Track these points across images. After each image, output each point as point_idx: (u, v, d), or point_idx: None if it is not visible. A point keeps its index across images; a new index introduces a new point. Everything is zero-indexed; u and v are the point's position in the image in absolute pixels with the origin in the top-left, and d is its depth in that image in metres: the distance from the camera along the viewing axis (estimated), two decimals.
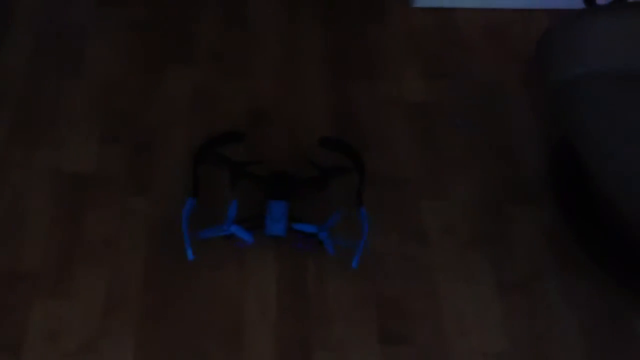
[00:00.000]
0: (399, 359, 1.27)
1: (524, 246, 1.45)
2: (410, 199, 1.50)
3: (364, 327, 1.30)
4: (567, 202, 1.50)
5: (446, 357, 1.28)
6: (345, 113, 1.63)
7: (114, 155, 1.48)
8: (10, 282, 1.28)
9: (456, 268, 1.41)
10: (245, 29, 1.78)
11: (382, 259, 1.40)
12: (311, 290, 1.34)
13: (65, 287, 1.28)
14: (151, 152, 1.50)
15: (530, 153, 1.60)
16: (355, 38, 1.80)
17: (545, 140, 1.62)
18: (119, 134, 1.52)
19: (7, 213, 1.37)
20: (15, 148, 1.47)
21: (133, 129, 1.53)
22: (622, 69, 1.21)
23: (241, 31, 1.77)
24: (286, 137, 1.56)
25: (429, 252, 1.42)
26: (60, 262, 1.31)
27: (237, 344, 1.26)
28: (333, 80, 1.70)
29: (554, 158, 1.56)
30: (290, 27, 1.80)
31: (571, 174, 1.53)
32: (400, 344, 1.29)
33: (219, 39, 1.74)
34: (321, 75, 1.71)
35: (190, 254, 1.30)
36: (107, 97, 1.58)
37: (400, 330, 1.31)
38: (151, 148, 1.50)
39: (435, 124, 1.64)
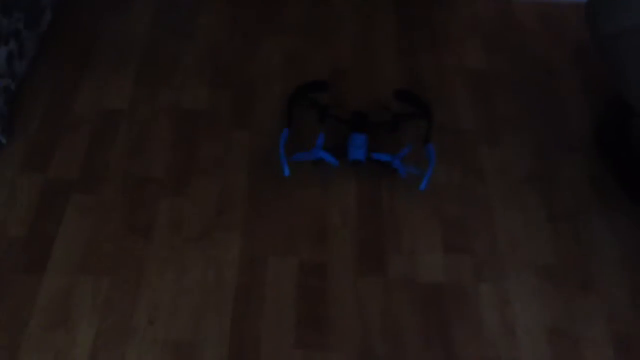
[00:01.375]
0: (459, 264, 1.50)
1: (571, 186, 1.66)
2: (469, 144, 1.74)
3: (429, 238, 1.54)
4: (611, 151, 1.71)
5: (500, 264, 1.50)
6: (414, 76, 1.89)
7: (221, 96, 1.77)
8: (142, 183, 1.57)
9: (510, 199, 1.63)
10: (328, 5, 2.07)
11: (445, 187, 1.63)
12: (385, 206, 1.58)
13: (185, 191, 1.57)
14: (251, 96, 1.78)
15: (576, 114, 1.82)
16: (423, 18, 2.06)
17: (590, 103, 1.84)
18: (224, 81, 1.81)
19: (139, 135, 1.67)
20: (142, 89, 1.77)
21: (236, 78, 1.82)
22: None
23: (324, 7, 2.06)
24: (363, 90, 1.83)
25: (486, 185, 1.65)
26: (180, 173, 1.60)
27: (322, 244, 1.51)
28: (403, 51, 1.96)
29: (602, 113, 1.78)
30: (364, 6, 2.08)
31: (615, 127, 1.74)
32: (460, 252, 1.52)
33: (307, 13, 2.04)
34: (392, 45, 1.97)
35: (286, 171, 1.57)
36: (214, 55, 1.88)
37: (461, 242, 1.53)
38: (251, 93, 1.79)
39: (492, 88, 1.88)
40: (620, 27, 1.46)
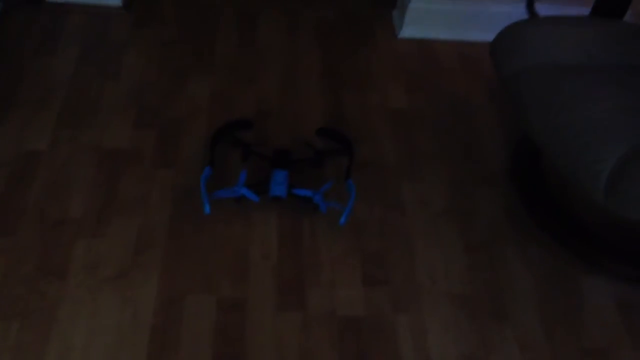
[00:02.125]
0: (378, 297, 1.52)
1: (486, 218, 1.72)
2: (391, 179, 1.78)
3: (349, 272, 1.56)
4: (523, 185, 1.79)
5: (417, 295, 1.53)
6: (338, 114, 1.94)
7: (146, 135, 1.78)
8: (59, 225, 1.55)
9: (429, 232, 1.67)
10: (254, 46, 2.12)
11: (366, 222, 1.67)
12: (306, 241, 1.60)
13: (103, 230, 1.55)
14: (175, 136, 1.79)
15: (493, 149, 1.90)
16: (347, 59, 2.13)
17: (507, 140, 1.93)
18: (149, 121, 1.82)
19: (58, 176, 1.65)
20: (65, 129, 1.76)
21: (161, 118, 1.83)
22: (552, 63, 1.53)
23: (251, 48, 2.11)
24: (287, 128, 1.87)
25: (407, 219, 1.69)
26: (100, 213, 1.59)
27: (242, 279, 1.51)
28: (328, 89, 2.01)
29: (515, 147, 1.86)
30: (291, 46, 2.14)
31: (527, 162, 1.82)
32: (379, 285, 1.54)
33: (233, 54, 2.08)
34: (318, 85, 2.03)
35: (207, 209, 1.57)
36: (140, 94, 1.89)
37: (380, 275, 1.56)
38: (176, 132, 1.80)
39: (413, 126, 1.94)
40: (517, 68, 1.55)
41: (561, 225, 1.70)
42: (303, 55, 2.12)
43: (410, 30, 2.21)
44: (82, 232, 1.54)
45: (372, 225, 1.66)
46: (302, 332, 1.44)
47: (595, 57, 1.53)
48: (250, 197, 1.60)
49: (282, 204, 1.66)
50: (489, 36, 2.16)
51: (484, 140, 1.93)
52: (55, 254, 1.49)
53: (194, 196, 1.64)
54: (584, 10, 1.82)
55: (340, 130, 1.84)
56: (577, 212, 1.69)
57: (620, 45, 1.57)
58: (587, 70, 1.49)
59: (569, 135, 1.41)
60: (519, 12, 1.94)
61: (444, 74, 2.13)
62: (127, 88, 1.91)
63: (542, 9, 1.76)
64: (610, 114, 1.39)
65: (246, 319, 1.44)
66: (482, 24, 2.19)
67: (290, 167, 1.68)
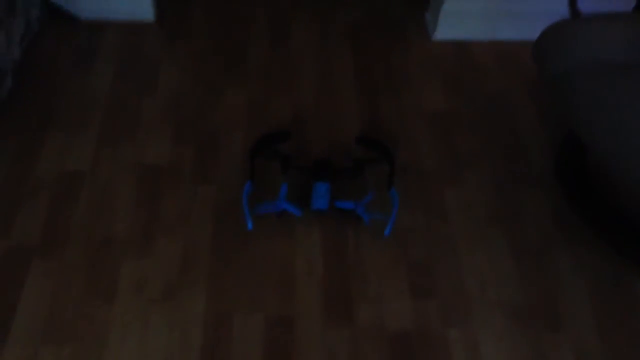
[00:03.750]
0: (427, 309, 1.49)
1: (533, 223, 1.68)
2: (432, 185, 1.75)
3: (396, 284, 1.53)
4: (571, 185, 1.74)
5: (468, 307, 1.50)
6: (375, 119, 1.91)
7: (184, 151, 1.77)
8: (104, 245, 1.55)
9: (475, 239, 1.64)
10: (287, 53, 2.10)
11: (410, 231, 1.64)
12: (351, 254, 1.58)
13: (148, 250, 1.55)
14: (214, 149, 1.79)
15: (536, 149, 1.85)
16: (381, 62, 2.10)
17: (549, 139, 1.88)
18: (187, 135, 1.82)
19: (101, 196, 1.66)
20: (105, 147, 1.77)
21: (199, 132, 1.83)
22: (601, 61, 1.48)
23: (284, 55, 2.09)
24: (325, 137, 1.85)
25: (451, 227, 1.66)
26: (143, 232, 1.59)
27: (289, 295, 1.50)
28: (363, 94, 1.99)
29: (560, 148, 1.81)
30: (324, 52, 2.11)
31: (574, 162, 1.77)
32: (427, 297, 1.52)
33: (266, 62, 2.06)
34: (353, 90, 2.00)
35: (250, 225, 1.56)
36: (176, 109, 1.89)
37: (427, 286, 1.53)
38: (214, 147, 1.80)
39: (452, 128, 1.91)
40: (565, 67, 1.50)
41: (612, 228, 1.65)
42: (336, 61, 2.09)
43: (444, 31, 2.16)
44: (128, 253, 1.54)
45: (416, 234, 1.64)
46: (352, 347, 1.42)
47: None
48: (292, 211, 1.59)
49: (325, 217, 1.64)
50: (524, 34, 2.13)
51: (526, 140, 1.88)
52: (102, 276, 1.50)
53: (236, 212, 1.63)
54: (626, 5, 1.76)
55: (379, 138, 1.81)
56: (629, 214, 1.64)
57: None
58: (638, 67, 1.43)
59: (624, 135, 1.36)
60: (555, 9, 1.89)
61: (481, 75, 2.08)
62: (163, 103, 1.91)
63: (583, 5, 1.71)
64: None
65: (295, 335, 1.43)
66: (518, 22, 2.14)
67: (331, 178, 1.66)
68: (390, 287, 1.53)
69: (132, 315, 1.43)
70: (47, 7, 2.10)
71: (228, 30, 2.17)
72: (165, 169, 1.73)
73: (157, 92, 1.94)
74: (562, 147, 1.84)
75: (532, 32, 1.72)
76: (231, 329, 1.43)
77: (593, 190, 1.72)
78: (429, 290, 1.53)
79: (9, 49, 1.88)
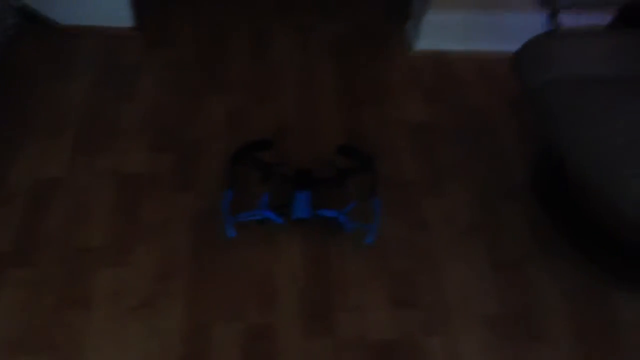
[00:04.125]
0: (408, 319, 1.49)
1: (512, 234, 1.69)
2: (413, 196, 1.75)
3: (377, 294, 1.53)
4: (547, 197, 1.76)
5: (448, 317, 1.50)
6: (357, 130, 1.91)
7: (163, 159, 1.75)
8: (80, 253, 1.52)
9: (455, 249, 1.64)
10: (269, 63, 2.09)
11: (391, 241, 1.64)
12: (332, 263, 1.57)
13: (125, 258, 1.52)
14: (194, 158, 1.77)
15: (516, 161, 1.87)
16: (363, 73, 2.11)
17: (528, 151, 1.90)
18: (166, 144, 1.80)
19: (78, 203, 1.62)
20: (82, 154, 1.74)
21: (178, 140, 1.81)
22: (580, 75, 1.50)
23: (265, 65, 2.08)
24: (307, 146, 1.84)
25: (432, 237, 1.66)
26: (121, 240, 1.56)
27: (269, 305, 1.48)
28: (345, 105, 1.99)
29: (537, 161, 1.83)
30: (306, 62, 2.11)
31: (551, 174, 1.79)
32: (408, 307, 1.51)
33: (248, 72, 2.05)
34: (335, 100, 2.00)
35: (231, 232, 1.55)
36: (155, 117, 1.87)
37: (408, 296, 1.53)
38: (194, 155, 1.78)
39: (433, 140, 1.92)
40: (543, 81, 1.52)
41: (589, 240, 1.67)
42: (318, 71, 2.09)
43: (425, 42, 2.18)
44: (104, 261, 1.51)
45: (397, 244, 1.63)
46: (333, 357, 1.40)
47: (624, 67, 1.50)
48: (273, 220, 1.58)
49: (306, 226, 1.63)
50: (505, 46, 2.14)
51: (506, 153, 1.90)
52: (78, 284, 1.46)
53: (216, 220, 1.61)
54: (606, 19, 1.80)
55: (360, 147, 1.81)
56: (605, 226, 1.65)
57: None
58: (617, 82, 1.46)
59: (600, 148, 1.37)
60: (535, 22, 1.91)
61: (462, 86, 2.10)
62: (142, 111, 1.88)
63: (563, 18, 1.73)
64: None
65: (275, 345, 1.41)
66: (498, 34, 2.17)
67: (313, 187, 1.65)
68: (371, 297, 1.52)
69: (109, 324, 1.40)
70: (24, 12, 2.06)
71: (209, 38, 2.16)
72: (144, 177, 1.71)
73: (135, 99, 1.91)
74: (539, 159, 1.86)
75: (512, 44, 1.74)
76: (210, 338, 1.40)
77: (569, 202, 1.74)
78: (410, 300, 1.52)
79: None
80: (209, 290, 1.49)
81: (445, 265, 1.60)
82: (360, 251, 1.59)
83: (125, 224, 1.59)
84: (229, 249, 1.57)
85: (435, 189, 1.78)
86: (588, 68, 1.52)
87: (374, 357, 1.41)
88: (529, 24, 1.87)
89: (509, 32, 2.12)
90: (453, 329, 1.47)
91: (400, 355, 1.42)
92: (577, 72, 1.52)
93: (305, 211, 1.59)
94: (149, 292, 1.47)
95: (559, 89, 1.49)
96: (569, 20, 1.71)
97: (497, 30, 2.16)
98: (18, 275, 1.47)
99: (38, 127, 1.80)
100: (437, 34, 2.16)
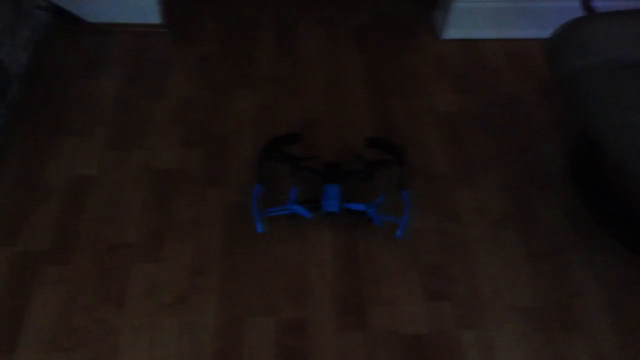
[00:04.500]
0: (440, 313, 1.47)
1: (547, 224, 1.66)
2: (444, 187, 1.73)
3: (409, 287, 1.51)
4: (585, 186, 1.71)
5: (482, 310, 1.48)
6: (385, 121, 1.89)
7: (193, 154, 1.76)
8: (114, 250, 1.54)
9: (488, 241, 1.61)
10: (295, 57, 2.08)
11: (422, 234, 1.62)
12: (362, 257, 1.56)
13: (158, 254, 1.54)
14: (223, 153, 1.77)
15: (549, 149, 1.83)
16: (390, 63, 2.08)
17: (562, 139, 1.85)
18: (196, 139, 1.80)
19: (111, 200, 1.64)
20: (114, 151, 1.76)
21: (208, 135, 1.82)
22: (616, 60, 1.46)
23: (292, 58, 2.08)
24: (335, 139, 1.83)
25: (463, 228, 1.64)
26: (153, 236, 1.57)
27: (301, 299, 1.48)
28: (373, 96, 1.97)
29: (574, 148, 1.79)
30: (332, 54, 2.10)
31: (587, 161, 1.75)
32: (441, 299, 1.49)
33: (274, 65, 2.05)
34: (362, 92, 1.98)
35: (259, 227, 1.55)
36: (185, 113, 1.88)
37: (441, 288, 1.51)
38: (224, 150, 1.78)
39: (463, 130, 1.89)
40: (578, 66, 1.48)
41: (628, 230, 1.62)
42: (345, 63, 2.08)
43: (454, 30, 2.14)
44: (138, 257, 1.53)
45: (428, 236, 1.61)
46: (365, 352, 1.40)
47: None
48: (302, 214, 1.57)
49: (336, 219, 1.62)
50: (536, 33, 2.11)
51: (538, 141, 1.86)
52: (112, 281, 1.48)
53: (246, 215, 1.61)
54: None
55: (389, 139, 1.79)
56: None
57: None
58: None
59: (637, 135, 1.33)
60: (567, 7, 1.86)
61: (492, 74, 2.06)
62: (172, 106, 1.90)
63: (597, 2, 1.68)
64: None
65: (307, 339, 1.41)
66: (528, 20, 2.12)
67: (341, 180, 1.64)
68: (403, 290, 1.51)
69: (142, 320, 1.42)
70: (54, 11, 2.09)
71: (235, 33, 2.16)
72: (175, 172, 1.72)
73: (165, 96, 1.93)
74: (575, 147, 1.82)
75: (544, 30, 1.70)
76: (243, 333, 1.41)
77: (607, 191, 1.70)
78: (443, 293, 1.50)
79: (15, 54, 1.88)
80: (241, 286, 1.49)
81: (478, 257, 1.58)
82: (391, 244, 1.58)
83: (158, 220, 1.61)
84: (259, 244, 1.57)
85: (466, 180, 1.75)
86: (624, 52, 1.48)
87: (408, 351, 1.40)
88: (561, 9, 1.82)
89: (540, 18, 2.08)
90: (487, 321, 1.45)
91: (433, 349, 1.41)
92: (613, 57, 1.47)
93: (334, 205, 1.58)
94: (182, 288, 1.48)
95: (595, 74, 1.45)
96: (603, 3, 1.66)
97: (528, 16, 2.11)
98: (54, 272, 1.49)
99: (71, 125, 1.82)
100: (466, 21, 2.12)
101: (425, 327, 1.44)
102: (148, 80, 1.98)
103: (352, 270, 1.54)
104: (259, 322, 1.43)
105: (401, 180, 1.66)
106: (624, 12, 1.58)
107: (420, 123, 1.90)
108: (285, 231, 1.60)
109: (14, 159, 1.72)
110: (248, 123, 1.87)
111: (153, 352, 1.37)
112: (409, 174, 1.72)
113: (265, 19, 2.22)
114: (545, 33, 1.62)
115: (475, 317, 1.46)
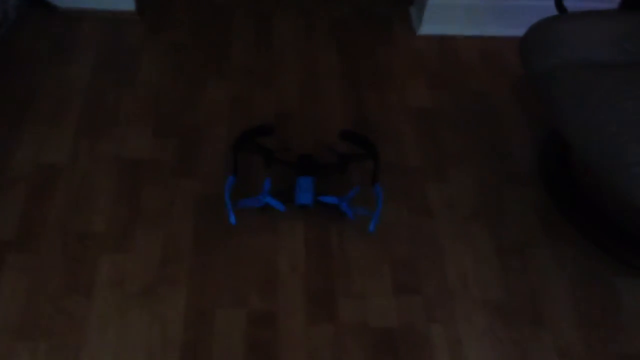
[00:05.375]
0: (410, 306, 1.48)
1: (517, 219, 1.68)
2: (416, 182, 1.74)
3: (380, 280, 1.52)
4: (554, 182, 1.74)
5: (451, 303, 1.49)
6: (359, 115, 1.90)
7: (165, 144, 1.74)
8: (82, 239, 1.52)
9: (458, 235, 1.63)
10: (271, 48, 2.07)
11: (393, 227, 1.63)
12: (334, 249, 1.57)
13: (127, 244, 1.52)
14: (196, 143, 1.76)
15: (520, 146, 1.85)
16: (366, 58, 2.09)
17: (534, 137, 1.88)
18: (168, 129, 1.78)
19: (79, 189, 1.62)
20: (84, 139, 1.73)
21: (180, 125, 1.80)
22: (586, 59, 1.48)
23: (267, 50, 2.07)
24: (309, 132, 1.83)
25: (435, 222, 1.65)
26: (123, 226, 1.55)
27: (271, 291, 1.48)
28: (348, 90, 1.97)
29: (543, 146, 1.81)
30: (308, 47, 2.09)
31: (557, 159, 1.78)
32: (411, 293, 1.50)
33: (249, 56, 2.04)
34: (337, 86, 1.98)
35: (232, 219, 1.54)
36: (157, 103, 1.86)
37: (411, 282, 1.52)
38: (196, 140, 1.76)
39: (436, 125, 1.90)
40: (550, 65, 1.50)
41: (595, 226, 1.65)
42: (321, 56, 2.07)
43: (429, 26, 2.16)
44: (106, 247, 1.51)
45: (400, 230, 1.62)
46: (335, 344, 1.40)
47: (630, 52, 1.48)
48: (275, 206, 1.57)
49: (309, 212, 1.62)
50: (509, 31, 2.13)
51: (510, 138, 1.88)
52: (80, 271, 1.46)
53: (218, 206, 1.60)
54: (612, 4, 1.77)
55: (362, 133, 1.79)
56: (611, 212, 1.64)
57: None
58: (623, 67, 1.44)
59: (606, 134, 1.36)
60: (541, 5, 1.89)
61: (466, 71, 2.08)
62: (144, 96, 1.87)
63: (569, 2, 1.71)
64: None
65: (277, 331, 1.41)
66: (503, 18, 2.14)
67: (315, 173, 1.64)
68: (373, 284, 1.51)
69: (111, 310, 1.40)
70: None
71: (211, 23, 2.14)
72: (146, 162, 1.70)
73: (137, 84, 1.90)
74: (545, 144, 1.85)
75: (518, 28, 1.71)
76: (212, 325, 1.40)
77: (576, 188, 1.73)
78: (413, 287, 1.52)
79: None
80: (211, 277, 1.48)
81: (448, 251, 1.59)
82: (362, 237, 1.59)
83: (127, 210, 1.59)
84: (231, 235, 1.56)
85: (438, 174, 1.76)
86: (594, 52, 1.50)
87: (377, 343, 1.41)
88: (536, 8, 1.85)
89: (515, 17, 2.10)
90: (455, 314, 1.47)
91: (402, 341, 1.42)
92: (583, 56, 1.50)
93: (307, 197, 1.58)
94: (151, 278, 1.46)
95: (565, 73, 1.47)
96: (576, 4, 1.69)
97: (503, 15, 2.13)
98: (20, 261, 1.47)
99: (39, 111, 1.79)
100: (442, 18, 2.13)
101: (395, 320, 1.45)
102: (120, 68, 1.95)
103: (324, 263, 1.54)
104: (229, 314, 1.42)
105: (374, 174, 1.66)
106: (595, 12, 1.61)
107: (394, 118, 1.90)
108: (257, 223, 1.60)
109: None
110: (221, 114, 1.85)
111: (121, 343, 1.36)
112: (383, 168, 1.73)
113: (242, 8, 2.21)
114: (520, 31, 1.64)
115: (444, 311, 1.48)
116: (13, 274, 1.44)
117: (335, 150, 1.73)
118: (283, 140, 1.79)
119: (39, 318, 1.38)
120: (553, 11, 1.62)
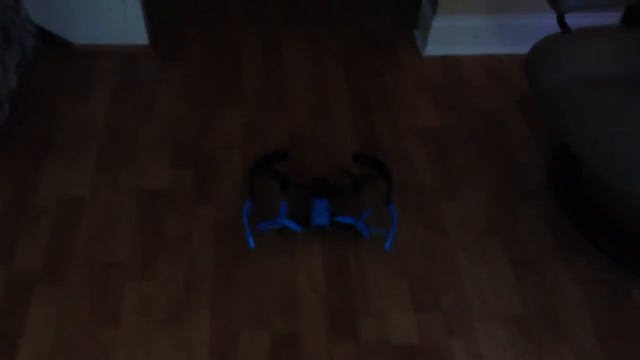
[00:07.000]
0: (430, 322, 1.51)
1: (531, 234, 1.71)
2: (429, 200, 1.78)
3: (398, 298, 1.55)
4: (565, 196, 1.77)
5: (470, 319, 1.52)
6: (370, 137, 1.94)
7: (183, 173, 1.79)
8: (107, 269, 1.56)
9: (473, 251, 1.66)
10: (281, 75, 2.13)
11: (410, 245, 1.66)
12: (352, 269, 1.60)
13: (150, 272, 1.56)
14: (212, 171, 1.80)
15: (530, 162, 1.89)
16: (373, 81, 2.13)
17: (542, 152, 1.91)
18: (185, 158, 1.83)
19: (102, 221, 1.66)
20: (103, 173, 1.78)
21: (197, 154, 1.85)
22: (590, 75, 1.52)
23: (277, 77, 2.12)
24: (322, 155, 1.87)
25: (449, 239, 1.68)
26: (146, 254, 1.59)
27: (293, 312, 1.51)
28: (357, 113, 2.01)
29: (553, 160, 1.85)
30: (317, 72, 2.14)
31: (566, 172, 1.81)
32: (429, 310, 1.53)
33: (260, 84, 2.09)
34: (347, 109, 2.03)
35: (251, 242, 1.58)
36: (174, 133, 1.91)
37: (429, 299, 1.55)
38: (213, 168, 1.81)
39: (446, 144, 1.94)
40: (555, 82, 1.54)
41: (608, 237, 1.68)
42: (329, 80, 2.13)
43: (434, 48, 2.21)
44: (130, 275, 1.55)
45: (416, 248, 1.65)
46: None
47: (633, 67, 1.51)
48: (293, 228, 1.61)
49: (325, 233, 1.66)
50: (515, 49, 2.18)
51: (519, 154, 1.91)
52: (106, 299, 1.50)
53: (236, 231, 1.64)
54: (614, 18, 1.81)
55: (374, 155, 1.83)
56: (623, 223, 1.67)
57: None
58: (626, 81, 1.47)
59: (613, 148, 1.39)
60: (545, 23, 1.93)
61: (473, 90, 2.12)
62: (160, 127, 1.92)
63: (573, 18, 1.75)
64: None
65: (300, 352, 1.44)
66: (508, 37, 2.19)
67: (329, 195, 1.68)
68: (392, 302, 1.54)
69: (137, 338, 1.44)
70: (41, 35, 2.12)
71: (221, 52, 2.20)
72: (165, 191, 1.74)
73: (153, 116, 1.96)
74: (555, 159, 1.88)
75: (522, 46, 1.76)
76: (237, 348, 1.43)
77: (588, 201, 1.75)
78: (432, 303, 1.54)
79: (6, 78, 1.90)
80: (234, 301, 1.52)
81: (464, 267, 1.62)
82: (379, 256, 1.62)
83: (149, 238, 1.63)
84: (250, 259, 1.60)
85: (451, 192, 1.80)
86: (598, 68, 1.54)
87: None
88: (539, 26, 1.89)
89: (519, 35, 2.15)
90: (475, 329, 1.49)
91: (424, 358, 1.44)
92: (587, 72, 1.54)
93: (323, 218, 1.61)
94: (175, 304, 1.50)
95: (570, 89, 1.51)
96: (578, 20, 1.73)
97: (507, 33, 2.18)
98: (47, 292, 1.51)
99: (61, 146, 1.84)
100: (446, 39, 2.18)
101: (415, 337, 1.48)
102: (136, 101, 2.01)
103: (342, 283, 1.57)
104: (253, 337, 1.45)
105: (388, 194, 1.70)
106: (597, 28, 1.65)
107: (404, 138, 1.95)
108: (276, 246, 1.63)
109: (4, 181, 1.74)
110: (236, 141, 1.90)
111: None
112: (396, 187, 1.76)
113: (251, 37, 2.27)
114: (523, 48, 1.68)
115: (463, 326, 1.50)
116: (42, 305, 1.48)
117: (349, 172, 1.78)
118: (297, 164, 1.84)
119: (69, 346, 1.41)
120: (555, 28, 1.67)
